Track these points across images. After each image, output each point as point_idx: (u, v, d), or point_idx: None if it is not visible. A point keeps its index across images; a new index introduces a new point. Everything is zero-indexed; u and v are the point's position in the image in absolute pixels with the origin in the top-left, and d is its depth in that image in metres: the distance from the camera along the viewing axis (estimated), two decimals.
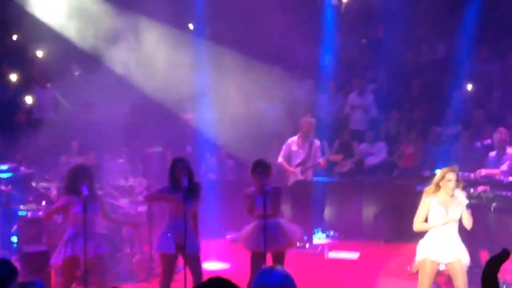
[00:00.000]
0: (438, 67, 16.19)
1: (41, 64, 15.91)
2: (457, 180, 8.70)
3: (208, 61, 15.50)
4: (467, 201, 8.68)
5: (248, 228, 9.77)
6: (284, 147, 13.50)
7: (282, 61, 16.46)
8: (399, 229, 11.38)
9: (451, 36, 15.93)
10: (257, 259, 9.44)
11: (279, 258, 9.47)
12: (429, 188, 8.77)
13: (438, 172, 8.86)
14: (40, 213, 11.41)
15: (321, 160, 13.42)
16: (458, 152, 13.99)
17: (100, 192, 11.24)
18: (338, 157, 14.12)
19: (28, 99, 15.40)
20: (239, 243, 9.88)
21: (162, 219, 9.89)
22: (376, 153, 15.19)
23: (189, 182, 9.25)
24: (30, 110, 15.48)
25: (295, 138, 13.45)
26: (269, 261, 9.34)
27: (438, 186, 8.71)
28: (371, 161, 15.15)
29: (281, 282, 4.53)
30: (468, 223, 8.70)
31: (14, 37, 16.37)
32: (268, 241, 9.33)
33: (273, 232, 9.51)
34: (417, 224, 8.80)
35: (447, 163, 9.95)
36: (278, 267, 4.65)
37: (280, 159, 13.38)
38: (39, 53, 16.03)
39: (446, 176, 8.64)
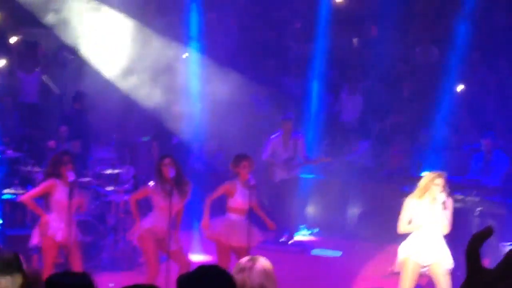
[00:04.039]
0: (430, 70, 16.20)
1: (24, 49, 15.82)
2: (444, 186, 8.73)
3: (199, 54, 15.46)
4: (443, 199, 8.67)
5: (222, 221, 9.81)
6: (267, 144, 13.48)
7: (275, 57, 16.45)
8: (384, 229, 11.39)
9: (444, 41, 15.94)
10: (223, 251, 9.59)
11: (241, 253, 9.51)
12: (415, 191, 8.81)
13: (426, 175, 8.88)
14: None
15: (312, 160, 13.50)
16: (446, 156, 14.03)
17: (86, 179, 11.27)
18: (328, 159, 14.17)
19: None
20: (208, 233, 9.89)
21: (148, 208, 9.89)
22: (357, 151, 15.14)
23: (176, 178, 9.27)
24: (16, 94, 15.41)
25: (277, 135, 13.45)
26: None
27: (424, 189, 8.73)
28: (351, 157, 15.10)
29: (260, 281, 4.50)
30: (444, 227, 8.72)
31: None
32: (235, 237, 9.46)
33: (241, 229, 9.56)
34: (402, 226, 8.85)
35: (434, 165, 9.99)
36: (258, 263, 4.60)
37: (265, 156, 13.37)
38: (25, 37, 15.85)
39: (434, 181, 8.66)
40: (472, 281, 2.03)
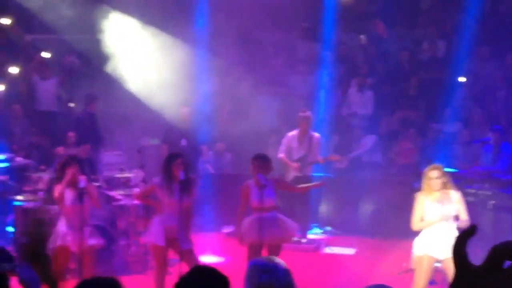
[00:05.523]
0: (438, 65, 16.15)
1: (42, 56, 15.84)
2: (443, 177, 8.66)
3: (207, 55, 15.43)
4: (457, 196, 8.59)
5: (246, 221, 9.76)
6: (284, 142, 13.43)
7: (282, 56, 16.40)
8: (396, 225, 11.34)
9: (452, 34, 15.88)
10: (253, 251, 9.45)
11: (274, 251, 9.46)
12: (422, 188, 8.77)
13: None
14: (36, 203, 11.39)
15: (320, 158, 13.40)
16: (457, 150, 13.97)
17: (96, 184, 11.24)
18: (336, 157, 14.08)
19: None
20: (237, 237, 9.87)
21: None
22: (365, 146, 15.06)
23: (184, 177, 9.22)
24: (27, 101, 15.42)
25: (294, 132, 13.38)
26: (264, 253, 9.36)
27: (426, 184, 8.71)
28: (360, 152, 15.03)
29: (286, 280, 4.40)
30: (465, 223, 8.63)
31: (8, 24, 16.20)
32: (265, 234, 9.33)
33: (270, 225, 9.50)
34: (416, 224, 8.80)
35: (445, 160, 9.93)
36: (278, 263, 4.48)
37: (280, 154, 13.33)
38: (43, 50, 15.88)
39: (429, 174, 8.64)
40: (460, 277, 2.05)
